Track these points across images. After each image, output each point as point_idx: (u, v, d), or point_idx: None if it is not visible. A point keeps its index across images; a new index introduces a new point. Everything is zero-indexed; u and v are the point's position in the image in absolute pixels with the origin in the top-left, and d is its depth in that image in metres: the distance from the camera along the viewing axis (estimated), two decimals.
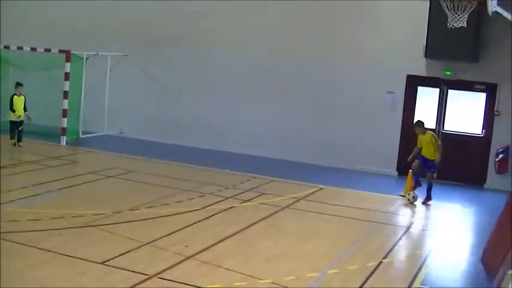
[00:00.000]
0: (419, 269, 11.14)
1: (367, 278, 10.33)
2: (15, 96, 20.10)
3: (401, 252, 12.35)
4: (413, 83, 19.86)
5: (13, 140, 19.67)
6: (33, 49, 21.51)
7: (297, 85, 20.86)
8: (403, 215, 15.37)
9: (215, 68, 21.91)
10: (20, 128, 19.90)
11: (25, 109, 20.08)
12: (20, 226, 11.71)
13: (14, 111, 19.80)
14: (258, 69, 21.33)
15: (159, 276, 9.69)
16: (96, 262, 10.06)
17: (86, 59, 22.03)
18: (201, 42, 22.02)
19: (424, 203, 16.13)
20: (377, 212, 15.04)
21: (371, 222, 14.09)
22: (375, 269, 10.81)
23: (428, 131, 16.36)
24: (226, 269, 10.23)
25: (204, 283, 9.49)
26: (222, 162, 19.33)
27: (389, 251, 11.99)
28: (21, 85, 20.31)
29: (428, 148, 16.12)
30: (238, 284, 9.60)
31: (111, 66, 22.90)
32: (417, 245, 13.21)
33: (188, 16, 22.12)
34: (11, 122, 19.89)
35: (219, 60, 21.81)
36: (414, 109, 19.89)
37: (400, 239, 13.06)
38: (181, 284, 9.41)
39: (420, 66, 19.49)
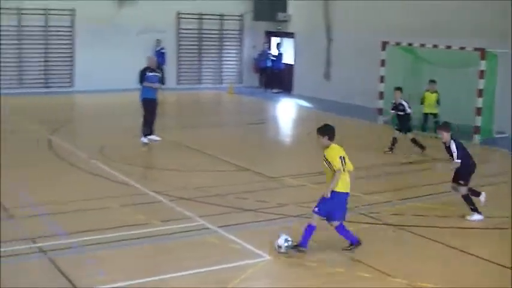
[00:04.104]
0: None
1: None
2: (428, 92, 21.20)
3: None
4: None
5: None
6: (448, 47, 21.60)
7: None
8: None
9: None
10: (435, 120, 20.87)
11: (438, 102, 21.03)
12: (426, 221, 11.97)
13: (422, 104, 21.18)
14: None
15: None
16: None
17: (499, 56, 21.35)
18: None
19: None
20: None
21: None
22: None
23: None
24: None
25: None
26: None
27: None
28: (434, 82, 21.20)
29: None
30: None
31: None
32: None
33: None
34: (424, 114, 21.22)
35: None
36: None
37: None
38: None
39: None
